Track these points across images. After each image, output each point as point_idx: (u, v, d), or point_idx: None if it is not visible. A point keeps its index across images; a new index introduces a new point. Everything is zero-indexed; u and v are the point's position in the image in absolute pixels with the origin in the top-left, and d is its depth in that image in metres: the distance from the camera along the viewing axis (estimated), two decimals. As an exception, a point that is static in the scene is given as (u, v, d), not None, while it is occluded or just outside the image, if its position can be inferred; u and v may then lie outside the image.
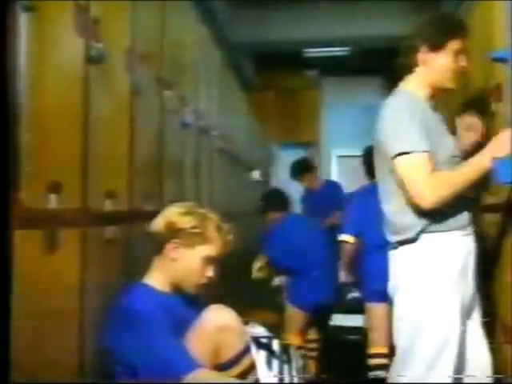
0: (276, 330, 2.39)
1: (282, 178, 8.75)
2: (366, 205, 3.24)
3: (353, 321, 3.54)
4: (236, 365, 1.98)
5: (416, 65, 2.12)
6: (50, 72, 1.54)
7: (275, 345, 2.12)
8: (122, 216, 2.04)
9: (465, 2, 4.74)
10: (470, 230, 2.09)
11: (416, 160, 1.97)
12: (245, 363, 2.01)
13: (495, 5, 2.26)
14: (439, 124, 2.11)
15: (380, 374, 3.19)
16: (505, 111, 2.15)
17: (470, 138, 2.24)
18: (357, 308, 3.46)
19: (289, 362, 2.12)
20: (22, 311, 1.35)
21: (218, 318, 1.98)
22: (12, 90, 1.34)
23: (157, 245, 2.02)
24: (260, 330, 2.21)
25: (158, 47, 2.54)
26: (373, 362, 3.32)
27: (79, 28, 1.67)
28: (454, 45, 2.07)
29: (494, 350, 2.15)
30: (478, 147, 2.12)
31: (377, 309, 3.27)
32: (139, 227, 2.18)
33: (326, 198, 5.37)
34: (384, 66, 9.27)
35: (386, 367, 2.94)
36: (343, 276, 3.65)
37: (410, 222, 2.04)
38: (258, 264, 3.92)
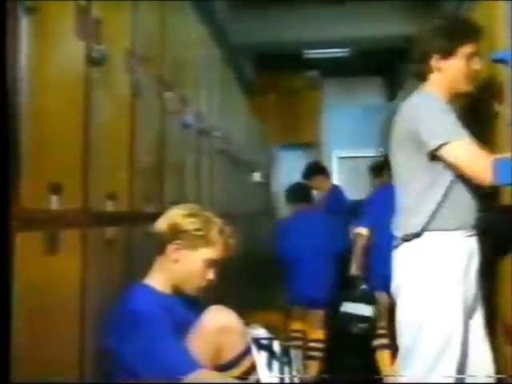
0: (277, 331, 2.39)
1: (283, 179, 8.78)
2: (381, 203, 3.55)
3: (361, 310, 3.69)
4: (237, 366, 1.99)
5: (430, 71, 2.15)
6: (51, 73, 1.55)
7: (276, 346, 2.12)
8: (122, 217, 2.04)
9: (465, 2, 4.74)
10: (474, 230, 2.09)
11: (468, 144, 1.97)
12: (245, 364, 2.01)
13: (496, 5, 2.26)
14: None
15: (383, 342, 3.59)
16: (505, 113, 2.15)
17: None
18: (367, 299, 3.67)
19: (289, 363, 2.12)
20: (23, 312, 1.35)
21: (219, 318, 1.98)
22: (13, 90, 1.34)
23: (159, 245, 2.02)
24: (261, 332, 2.21)
25: (159, 48, 2.54)
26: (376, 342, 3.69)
27: (80, 29, 1.67)
28: (465, 49, 2.10)
29: (495, 350, 2.15)
30: None
31: (382, 297, 3.58)
32: (140, 228, 2.19)
33: (332, 201, 5.49)
34: (384, 66, 9.32)
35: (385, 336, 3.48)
36: (353, 269, 3.85)
37: (414, 217, 2.06)
38: None
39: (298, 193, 4.39)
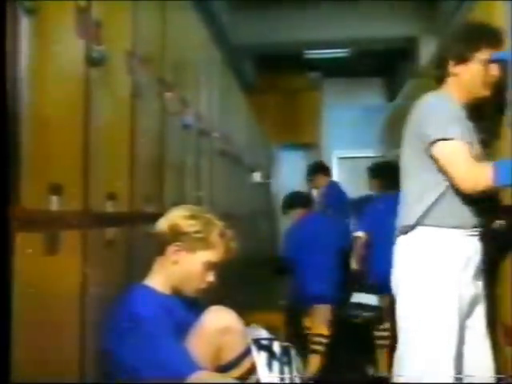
0: (277, 331, 2.39)
1: (283, 179, 8.78)
2: (375, 210, 4.05)
3: (370, 300, 4.01)
4: (237, 366, 1.98)
5: (448, 76, 2.17)
6: (51, 74, 1.55)
7: (276, 346, 2.12)
8: (123, 217, 2.04)
9: (465, 2, 4.75)
10: (475, 230, 2.09)
11: (458, 146, 2.01)
12: (245, 365, 2.01)
13: (496, 5, 2.27)
14: (470, 131, 2.12)
15: (383, 342, 3.86)
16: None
17: None
18: (373, 289, 3.97)
19: (289, 363, 2.12)
20: (23, 312, 1.35)
21: (219, 319, 1.98)
22: (13, 91, 1.34)
23: (159, 246, 2.02)
24: (261, 332, 2.21)
25: (159, 49, 2.54)
26: (377, 333, 3.96)
27: (80, 30, 1.67)
28: (481, 55, 2.10)
29: (495, 351, 2.16)
30: None
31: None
32: (140, 229, 2.19)
33: (330, 197, 5.68)
34: (384, 67, 9.32)
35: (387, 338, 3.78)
36: (354, 264, 4.22)
37: (412, 211, 2.09)
38: None
39: (298, 199, 4.52)
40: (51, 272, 1.52)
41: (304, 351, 2.44)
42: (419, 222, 2.08)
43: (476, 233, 2.10)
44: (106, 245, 1.89)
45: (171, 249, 1.99)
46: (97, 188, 1.81)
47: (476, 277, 2.12)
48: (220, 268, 2.08)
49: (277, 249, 8.24)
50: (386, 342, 3.87)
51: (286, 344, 2.16)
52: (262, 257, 6.27)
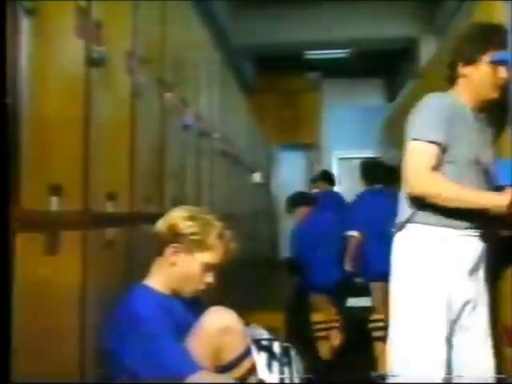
0: (277, 332, 2.39)
1: (283, 180, 8.78)
2: (365, 206, 4.21)
3: (362, 302, 4.36)
4: (237, 367, 1.98)
5: (458, 77, 2.18)
6: (52, 74, 1.55)
7: (276, 347, 2.12)
8: (122, 218, 2.05)
9: (465, 2, 4.74)
10: (469, 232, 2.09)
11: (424, 148, 2.03)
12: (246, 365, 2.00)
13: (496, 5, 2.27)
14: (474, 131, 2.12)
15: (378, 334, 3.98)
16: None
17: None
18: (364, 291, 4.27)
19: (289, 364, 2.12)
20: (23, 312, 1.35)
21: (219, 319, 1.98)
22: (13, 92, 1.34)
23: (158, 247, 2.02)
24: (261, 332, 2.21)
25: (159, 50, 2.54)
26: (373, 325, 4.12)
27: (80, 30, 1.67)
28: (488, 57, 2.10)
29: (495, 351, 2.15)
30: None
31: (376, 286, 4.01)
32: (140, 229, 2.19)
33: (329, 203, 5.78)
34: (384, 68, 9.33)
35: (382, 329, 3.78)
36: (347, 265, 4.32)
37: (405, 208, 2.12)
38: None
39: (302, 199, 4.85)
40: (51, 272, 1.51)
41: (306, 351, 2.46)
42: (409, 220, 2.10)
43: (472, 234, 2.09)
44: (106, 245, 1.89)
45: (169, 250, 1.99)
46: (97, 188, 1.81)
47: (474, 277, 2.11)
48: (220, 268, 2.08)
49: (277, 249, 8.26)
50: (382, 334, 3.98)
51: (286, 344, 2.15)
52: (262, 257, 6.27)
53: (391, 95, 9.34)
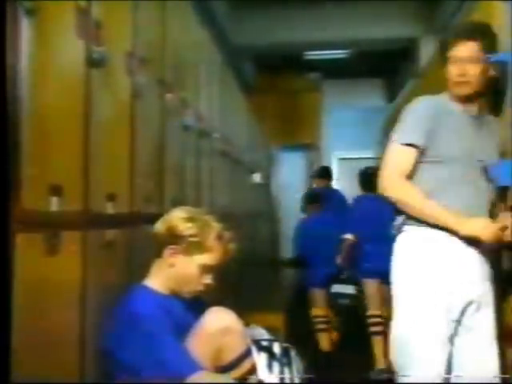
0: (277, 332, 2.39)
1: (283, 180, 8.78)
2: (362, 210, 4.47)
3: (347, 289, 4.87)
4: (237, 367, 1.98)
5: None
6: (52, 74, 1.55)
7: (276, 347, 2.12)
8: (123, 218, 2.04)
9: (465, 2, 4.75)
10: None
11: (402, 151, 2.08)
12: (246, 366, 2.01)
13: (496, 5, 2.27)
14: (468, 129, 2.13)
15: (377, 329, 4.23)
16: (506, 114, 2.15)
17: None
18: (350, 281, 4.80)
19: (289, 364, 2.12)
20: (23, 312, 1.35)
21: (220, 320, 1.98)
22: (13, 92, 1.34)
23: (157, 247, 2.02)
24: (261, 333, 2.21)
25: (159, 50, 2.54)
26: (370, 320, 4.34)
27: (80, 31, 1.67)
28: (448, 54, 2.14)
29: (499, 352, 2.15)
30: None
31: (368, 283, 4.32)
32: (140, 230, 2.18)
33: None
34: (385, 68, 9.32)
35: (379, 324, 4.21)
36: (339, 262, 4.67)
37: (398, 210, 2.13)
38: None
39: (315, 197, 5.38)
40: (51, 272, 1.51)
41: (306, 349, 2.48)
42: (405, 222, 2.11)
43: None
44: (106, 246, 1.89)
45: (168, 251, 1.99)
46: (97, 189, 1.80)
47: (478, 278, 2.11)
48: (219, 269, 2.08)
49: (277, 249, 8.25)
50: (380, 329, 4.19)
51: (286, 345, 2.15)
52: (262, 257, 6.27)
53: (391, 95, 9.34)
